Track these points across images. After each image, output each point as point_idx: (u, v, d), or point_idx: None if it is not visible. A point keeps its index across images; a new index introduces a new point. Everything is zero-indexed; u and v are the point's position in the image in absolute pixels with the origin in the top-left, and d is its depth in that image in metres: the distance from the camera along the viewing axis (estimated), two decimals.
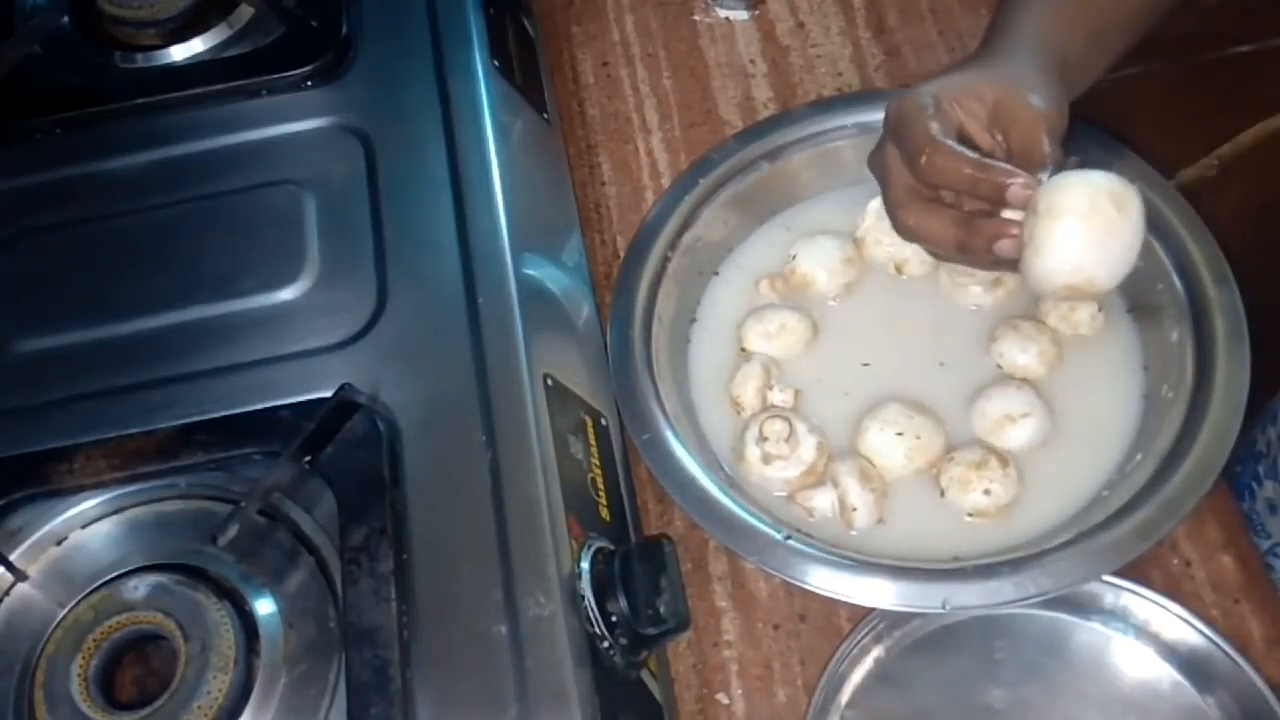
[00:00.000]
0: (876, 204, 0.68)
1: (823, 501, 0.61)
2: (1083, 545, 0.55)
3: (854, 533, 0.60)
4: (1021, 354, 0.63)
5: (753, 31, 0.83)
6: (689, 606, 0.51)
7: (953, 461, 0.60)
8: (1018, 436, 0.61)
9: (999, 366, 0.64)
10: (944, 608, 0.54)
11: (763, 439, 0.61)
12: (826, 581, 0.55)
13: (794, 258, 0.69)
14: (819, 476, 0.61)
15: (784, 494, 0.62)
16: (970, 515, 0.59)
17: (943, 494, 0.60)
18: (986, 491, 0.59)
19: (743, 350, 0.67)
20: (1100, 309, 0.64)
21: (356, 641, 0.49)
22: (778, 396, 0.64)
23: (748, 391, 0.64)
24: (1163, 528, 0.55)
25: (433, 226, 0.62)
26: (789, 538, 0.56)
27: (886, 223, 0.63)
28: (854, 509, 0.60)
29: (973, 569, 0.55)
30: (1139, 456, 0.60)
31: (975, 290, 0.66)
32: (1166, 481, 0.56)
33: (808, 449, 0.61)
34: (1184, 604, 0.57)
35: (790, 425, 0.61)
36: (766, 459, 0.61)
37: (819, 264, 0.68)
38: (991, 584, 0.54)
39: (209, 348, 0.59)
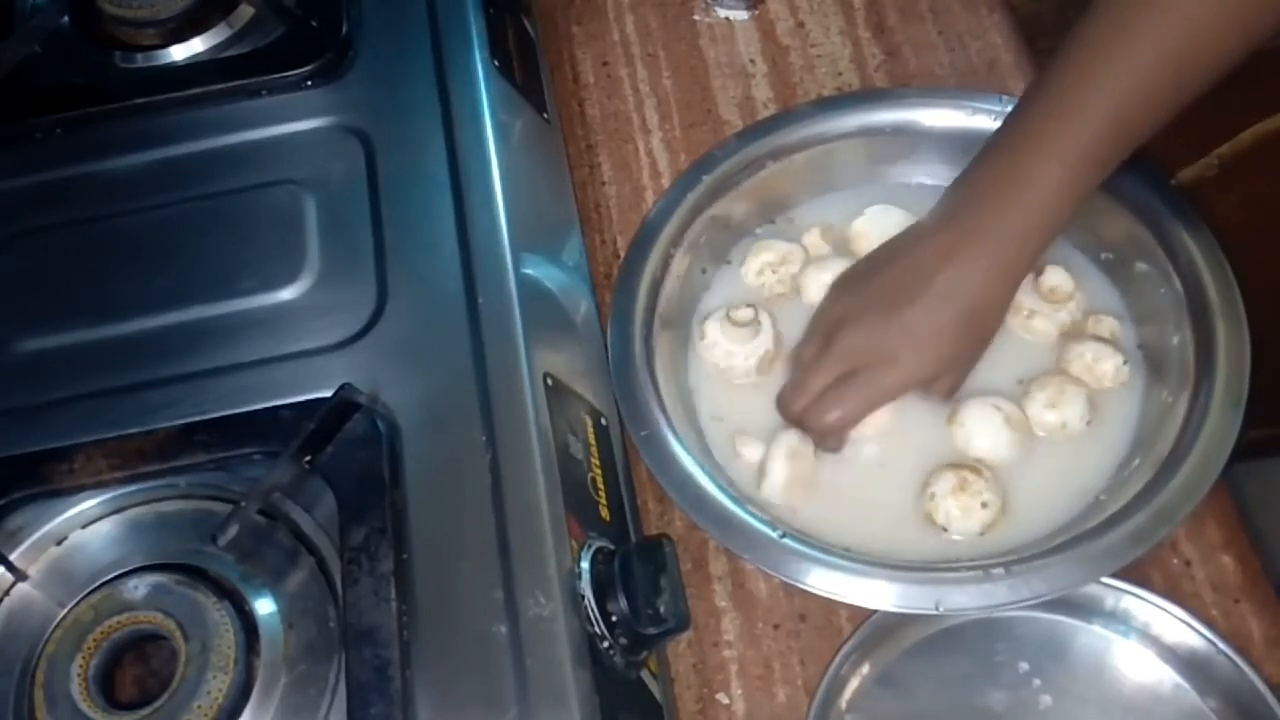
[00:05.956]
0: None
1: (753, 453, 0.63)
2: (1078, 549, 0.55)
3: (762, 493, 0.61)
4: (1051, 412, 0.62)
5: (753, 31, 0.83)
6: (689, 606, 0.51)
7: (935, 498, 0.60)
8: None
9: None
10: (937, 609, 0.54)
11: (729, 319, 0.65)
12: (823, 581, 0.55)
13: (859, 219, 0.69)
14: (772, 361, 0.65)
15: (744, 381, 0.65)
16: (982, 534, 0.59)
17: (946, 530, 0.59)
18: (984, 504, 0.59)
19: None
20: (1125, 362, 0.63)
21: (356, 641, 0.49)
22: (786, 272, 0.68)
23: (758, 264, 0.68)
24: (1158, 533, 0.55)
25: (433, 226, 0.62)
26: (784, 536, 0.56)
27: None
28: (765, 475, 0.61)
29: (968, 572, 0.55)
30: (1136, 461, 0.60)
31: (1038, 324, 0.65)
32: (1163, 487, 0.56)
33: (766, 334, 0.65)
34: (1184, 605, 0.57)
35: (756, 313, 0.65)
36: (735, 337, 0.65)
37: (881, 231, 0.68)
38: (986, 586, 0.54)
39: (209, 348, 0.59)
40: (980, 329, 0.60)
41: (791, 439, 0.62)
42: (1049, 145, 0.56)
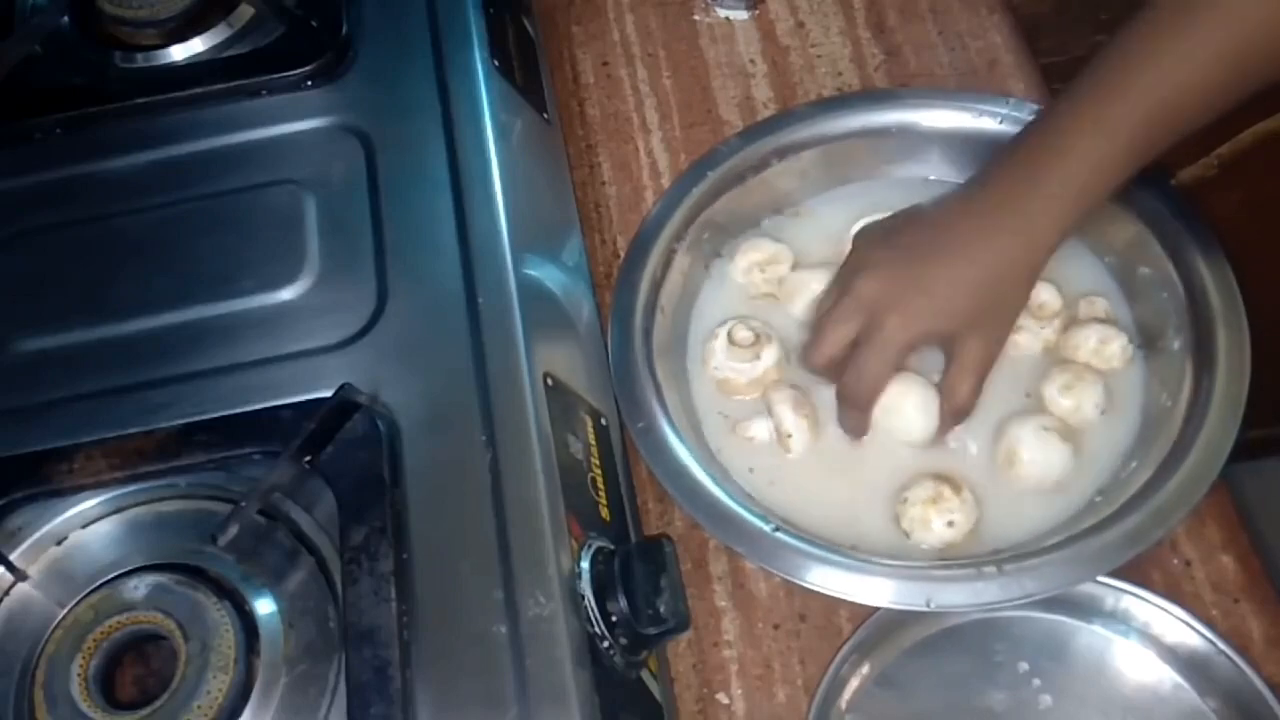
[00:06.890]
0: None
1: (760, 430, 0.63)
2: (1072, 549, 0.55)
3: (792, 456, 0.62)
4: (1066, 396, 0.62)
5: (753, 31, 0.83)
6: (689, 606, 0.51)
7: (906, 502, 0.59)
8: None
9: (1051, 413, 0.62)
10: (928, 606, 0.54)
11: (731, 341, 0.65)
12: (812, 576, 0.55)
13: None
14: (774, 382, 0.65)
15: (745, 395, 0.65)
16: (942, 549, 0.59)
17: (908, 536, 0.59)
18: (950, 524, 0.59)
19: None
20: (1131, 340, 0.63)
21: (356, 641, 0.49)
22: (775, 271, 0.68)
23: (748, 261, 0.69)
24: (1153, 535, 0.55)
25: (433, 226, 0.62)
26: (777, 530, 0.56)
27: None
28: (789, 435, 0.62)
29: (960, 569, 0.55)
30: (1134, 464, 0.60)
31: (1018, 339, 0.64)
32: (1160, 488, 0.56)
33: (770, 353, 0.65)
34: (1184, 605, 0.57)
35: (756, 335, 0.65)
36: (735, 356, 0.65)
37: None
38: (978, 585, 0.54)
39: (209, 348, 0.59)
40: (1001, 295, 0.59)
41: (786, 392, 0.63)
42: (1092, 117, 0.55)
